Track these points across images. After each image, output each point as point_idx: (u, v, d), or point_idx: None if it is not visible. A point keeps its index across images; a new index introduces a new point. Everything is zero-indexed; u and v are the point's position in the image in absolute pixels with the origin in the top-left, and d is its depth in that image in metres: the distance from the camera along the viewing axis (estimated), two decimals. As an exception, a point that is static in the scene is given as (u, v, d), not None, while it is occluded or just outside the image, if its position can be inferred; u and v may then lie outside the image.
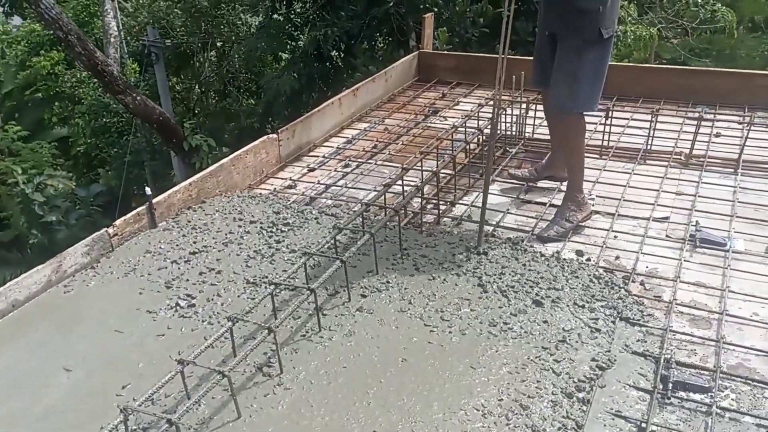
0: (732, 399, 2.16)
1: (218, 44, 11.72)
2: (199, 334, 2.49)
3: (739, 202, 3.44)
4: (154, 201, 3.27)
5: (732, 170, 3.79)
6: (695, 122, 3.92)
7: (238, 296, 2.72)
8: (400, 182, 3.32)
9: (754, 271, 2.85)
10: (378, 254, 2.86)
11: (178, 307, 2.65)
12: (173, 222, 3.32)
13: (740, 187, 3.60)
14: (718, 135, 4.20)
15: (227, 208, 3.47)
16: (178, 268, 2.92)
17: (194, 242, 3.13)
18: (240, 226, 3.27)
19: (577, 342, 2.40)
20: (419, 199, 3.41)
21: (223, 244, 3.12)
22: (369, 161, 4.18)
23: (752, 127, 3.97)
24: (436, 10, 7.13)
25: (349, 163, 4.16)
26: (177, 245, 3.11)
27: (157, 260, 2.99)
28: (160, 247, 3.09)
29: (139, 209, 3.26)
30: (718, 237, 3.10)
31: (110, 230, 3.09)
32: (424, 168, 3.47)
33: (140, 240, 3.16)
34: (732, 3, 14.83)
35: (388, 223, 3.01)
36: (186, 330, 2.53)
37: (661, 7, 9.39)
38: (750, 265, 2.90)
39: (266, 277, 2.83)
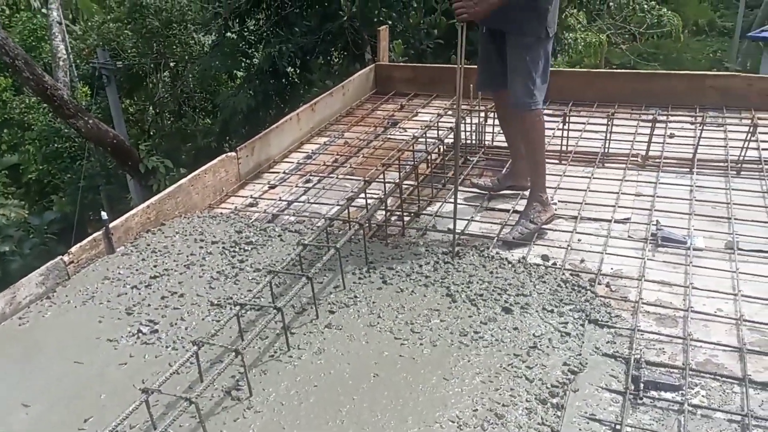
0: (703, 396, 2.18)
1: (171, 64, 11.57)
2: (164, 360, 2.41)
3: (696, 200, 3.50)
4: (110, 226, 3.18)
5: (687, 170, 3.87)
6: (649, 124, 3.99)
7: (203, 319, 2.64)
8: (363, 195, 3.29)
9: (715, 267, 2.90)
10: (344, 269, 2.83)
11: (140, 334, 2.56)
12: (132, 246, 3.23)
13: (696, 186, 3.67)
14: (672, 136, 4.28)
15: (187, 229, 3.39)
16: (139, 294, 2.83)
17: (154, 266, 3.04)
18: (201, 247, 3.20)
19: (548, 347, 2.40)
20: (383, 212, 3.39)
21: (184, 266, 3.04)
22: (330, 176, 4.15)
23: (704, 127, 4.06)
24: (390, 23, 7.16)
25: (311, 178, 4.12)
26: (137, 270, 3.02)
27: (116, 286, 2.90)
28: (119, 273, 3.00)
29: (95, 235, 3.16)
30: (678, 235, 3.15)
31: (66, 258, 2.99)
32: (386, 180, 3.44)
33: (98, 266, 3.06)
34: (676, 8, 15.32)
35: (352, 237, 2.97)
36: (149, 357, 2.44)
37: (609, 14, 9.62)
38: (711, 262, 2.95)
39: (231, 298, 2.76)
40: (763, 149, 4.00)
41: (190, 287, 2.86)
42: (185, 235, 3.32)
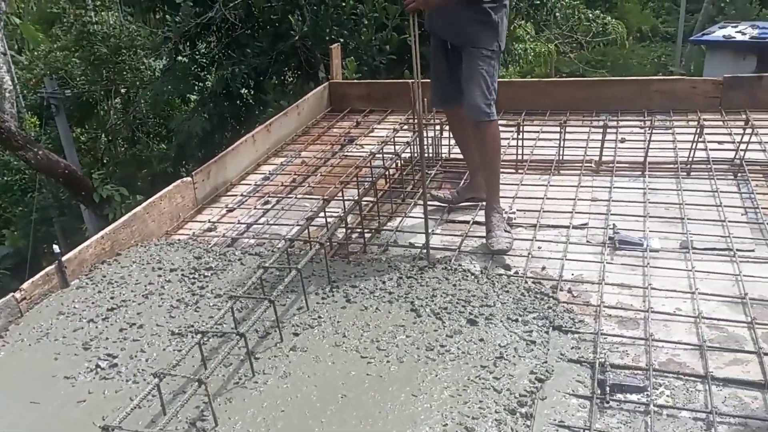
0: (667, 395, 2.21)
1: (122, 91, 11.38)
2: (124, 395, 2.34)
3: (650, 202, 3.58)
4: (63, 259, 3.09)
5: (640, 173, 3.95)
6: (601, 130, 4.07)
7: (164, 350, 2.58)
8: (322, 214, 3.27)
9: (671, 267, 2.96)
10: (307, 290, 2.80)
11: (98, 369, 2.48)
12: (87, 279, 3.14)
13: (649, 188, 3.75)
14: (623, 141, 4.38)
15: (144, 258, 3.32)
16: (96, 327, 2.75)
17: (111, 297, 2.96)
18: (160, 276, 3.13)
19: (514, 357, 2.40)
20: (344, 230, 3.37)
21: (143, 296, 2.97)
22: (289, 196, 4.12)
23: (653, 131, 4.16)
24: (342, 40, 7.18)
25: (269, 199, 4.08)
26: (93, 303, 2.93)
27: (72, 321, 2.81)
28: (75, 307, 2.91)
29: (47, 269, 3.06)
30: (635, 238, 3.21)
31: (17, 294, 2.88)
32: (345, 198, 3.43)
33: (52, 302, 2.97)
34: (620, 16, 15.75)
35: (314, 257, 2.94)
36: (109, 392, 2.37)
37: (556, 24, 9.83)
38: (667, 262, 3.01)
39: (192, 326, 2.70)
40: (710, 150, 4.11)
41: (150, 317, 2.79)
42: (142, 264, 3.25)
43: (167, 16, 8.34)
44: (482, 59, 3.14)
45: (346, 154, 4.73)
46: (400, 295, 2.82)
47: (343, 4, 7.38)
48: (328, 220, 3.31)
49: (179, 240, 3.57)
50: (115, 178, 10.30)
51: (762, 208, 3.40)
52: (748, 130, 3.82)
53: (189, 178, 4.01)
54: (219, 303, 2.87)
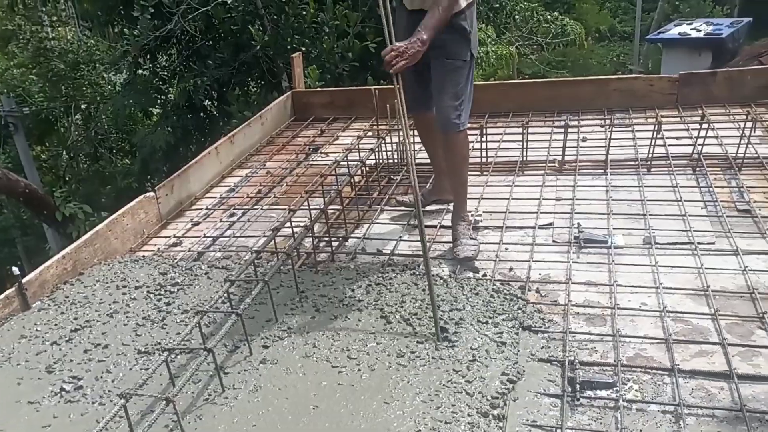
0: (636, 390, 2.23)
1: (82, 106, 11.20)
2: (90, 417, 2.28)
3: (612, 199, 3.63)
4: (24, 280, 3.01)
5: (602, 171, 4.01)
6: (562, 130, 4.12)
7: (130, 369, 2.53)
8: (288, 225, 3.24)
9: (636, 263, 3.00)
10: (275, 301, 2.77)
11: (63, 392, 2.42)
12: (49, 300, 3.07)
13: (611, 186, 3.80)
14: (584, 140, 4.44)
15: (108, 276, 3.26)
16: (60, 350, 2.69)
17: (75, 318, 2.90)
18: (125, 294, 3.07)
19: (486, 359, 2.41)
20: (311, 239, 3.35)
21: (107, 315, 2.91)
22: (255, 207, 4.08)
23: (613, 129, 4.22)
24: (303, 49, 7.16)
25: (235, 211, 4.04)
26: (56, 324, 2.87)
27: (35, 344, 2.74)
28: (37, 330, 2.84)
29: (7, 292, 2.99)
30: (599, 235, 3.25)
31: (-23, 319, 2.81)
32: (311, 207, 3.41)
33: (13, 325, 2.89)
34: (578, 17, 16.01)
35: (281, 267, 2.92)
36: (75, 416, 2.31)
37: (516, 27, 9.95)
38: (631, 258, 3.05)
39: (159, 343, 2.66)
40: (669, 145, 4.19)
41: (115, 337, 2.74)
42: (106, 283, 3.19)
43: (125, 29, 8.23)
44: (454, 70, 3.16)
45: (311, 162, 4.71)
46: (369, 303, 2.81)
47: (304, 12, 7.37)
48: (295, 230, 3.29)
49: (144, 256, 3.51)
50: (78, 195, 10.12)
51: (720, 201, 3.48)
52: (705, 125, 3.90)
53: (152, 193, 3.95)
54: (186, 319, 2.83)
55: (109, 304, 2.99)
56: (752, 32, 14.24)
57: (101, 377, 2.49)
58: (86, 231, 3.51)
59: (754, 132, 3.99)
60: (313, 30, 7.46)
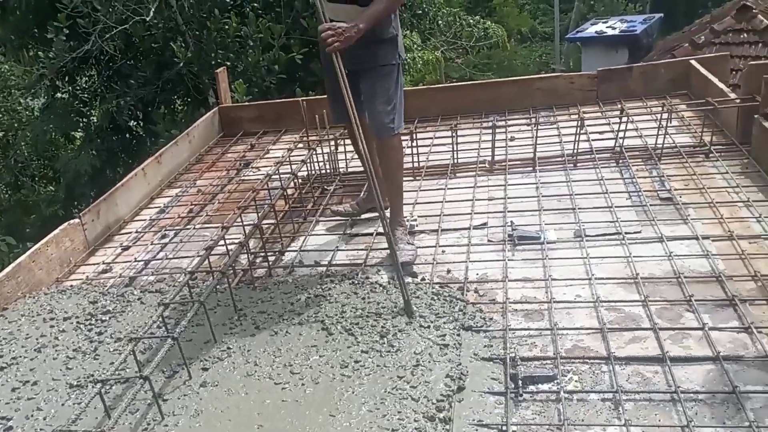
0: (576, 381, 2.28)
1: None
2: (22, 459, 2.18)
3: (543, 196, 3.71)
4: (-59, 321, 2.85)
5: (531, 168, 4.10)
6: (490, 131, 4.19)
7: (62, 405, 2.42)
8: (222, 243, 3.18)
9: (568, 257, 3.07)
10: (213, 322, 2.70)
11: (-9, 436, 2.30)
12: (-29, 339, 2.91)
13: (541, 183, 3.88)
14: (512, 139, 4.52)
15: (34, 309, 3.11)
16: (-15, 391, 2.55)
17: (0, 356, 2.76)
18: (53, 327, 2.94)
19: (429, 362, 2.41)
20: (246, 256, 3.30)
21: (35, 350, 2.78)
22: (187, 227, 3.99)
23: (539, 127, 4.32)
24: (228, 64, 7.07)
25: (166, 233, 3.94)
26: (-21, 365, 2.72)
27: (-43, 388, 2.59)
28: (-41, 372, 2.68)
29: (-76, 334, 2.82)
30: (532, 232, 3.31)
31: None
32: (245, 223, 3.36)
33: (-68, 369, 2.73)
34: (500, 19, 16.40)
35: (217, 287, 2.86)
36: (5, 459, 2.20)
37: (440, 32, 10.10)
38: (564, 252, 3.12)
39: (92, 375, 2.55)
40: (592, 140, 4.32)
41: (44, 372, 2.62)
42: (32, 317, 3.05)
43: (40, 52, 7.95)
44: (384, 75, 3.18)
45: (242, 178, 4.64)
46: (309, 316, 2.78)
47: (227, 27, 7.28)
48: (229, 247, 3.22)
49: (72, 286, 3.38)
50: (0, 226, 9.69)
51: (644, 190, 3.60)
52: (624, 119, 4.04)
53: (77, 220, 3.80)
54: (120, 347, 2.73)
55: (36, 339, 2.86)
56: (664, 27, 14.90)
57: (32, 416, 2.38)
58: (11, 263, 3.35)
59: (671, 123, 4.16)
60: (237, 44, 7.38)
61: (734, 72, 7.66)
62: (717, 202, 3.33)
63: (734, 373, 2.19)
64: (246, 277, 3.22)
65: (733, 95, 4.09)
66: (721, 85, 4.29)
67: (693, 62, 4.93)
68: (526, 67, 17.83)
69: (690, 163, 3.84)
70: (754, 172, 3.61)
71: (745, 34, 9.16)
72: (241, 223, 3.34)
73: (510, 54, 17.07)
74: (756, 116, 3.70)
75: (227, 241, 3.20)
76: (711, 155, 3.89)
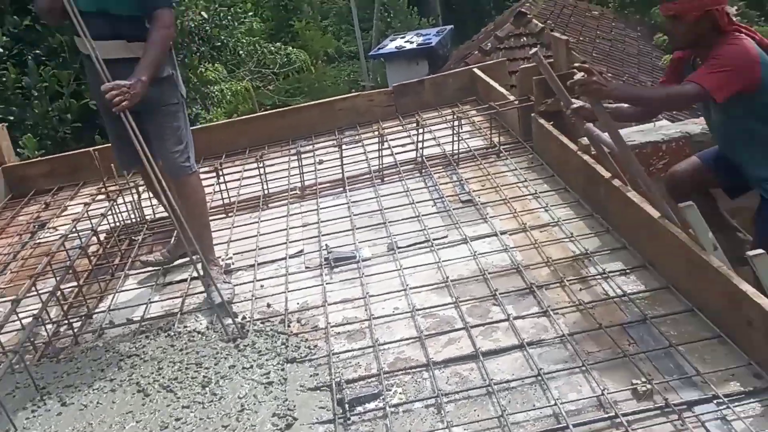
0: (400, 393, 2.32)
1: None
2: None
3: (354, 215, 3.78)
4: None
5: (341, 189, 4.16)
6: (297, 157, 4.20)
7: None
8: (14, 318, 2.88)
9: (383, 271, 3.14)
10: (10, 408, 2.43)
11: None
12: None
13: (352, 202, 3.95)
14: (320, 162, 4.57)
15: None
16: None
17: None
18: None
19: (254, 404, 2.34)
20: (44, 327, 3.01)
21: None
22: (-24, 306, 3.57)
23: (344, 147, 4.41)
24: (12, 118, 6.49)
25: (-49, 316, 3.49)
26: None
27: None
28: None
29: None
30: (347, 252, 3.36)
31: None
32: (42, 291, 3.07)
33: None
34: (304, 44, 16.66)
35: (11, 368, 2.58)
36: None
37: (242, 62, 10.03)
38: (379, 267, 3.19)
39: None
40: (396, 154, 4.48)
41: None
42: None
43: None
44: (169, 115, 3.11)
45: (38, 241, 4.25)
46: (123, 379, 2.59)
47: (4, 79, 6.68)
48: (25, 321, 2.93)
49: None
50: None
51: (446, 196, 3.79)
52: (421, 130, 4.24)
53: None
54: None
55: None
56: (456, 37, 15.95)
57: None
58: None
59: (463, 128, 4.43)
60: (18, 97, 6.79)
61: (513, 74, 8.37)
62: (510, 198, 3.59)
63: (538, 356, 2.36)
64: (48, 350, 2.94)
65: (512, 97, 4.45)
66: (501, 89, 4.66)
67: (476, 70, 5.31)
68: (337, 87, 18.25)
69: (484, 164, 4.11)
70: (538, 165, 3.94)
71: (525, 38, 10.08)
72: (36, 292, 3.05)
73: (318, 75, 17.39)
74: (533, 114, 4.05)
75: (20, 316, 2.91)
76: (501, 155, 4.20)
